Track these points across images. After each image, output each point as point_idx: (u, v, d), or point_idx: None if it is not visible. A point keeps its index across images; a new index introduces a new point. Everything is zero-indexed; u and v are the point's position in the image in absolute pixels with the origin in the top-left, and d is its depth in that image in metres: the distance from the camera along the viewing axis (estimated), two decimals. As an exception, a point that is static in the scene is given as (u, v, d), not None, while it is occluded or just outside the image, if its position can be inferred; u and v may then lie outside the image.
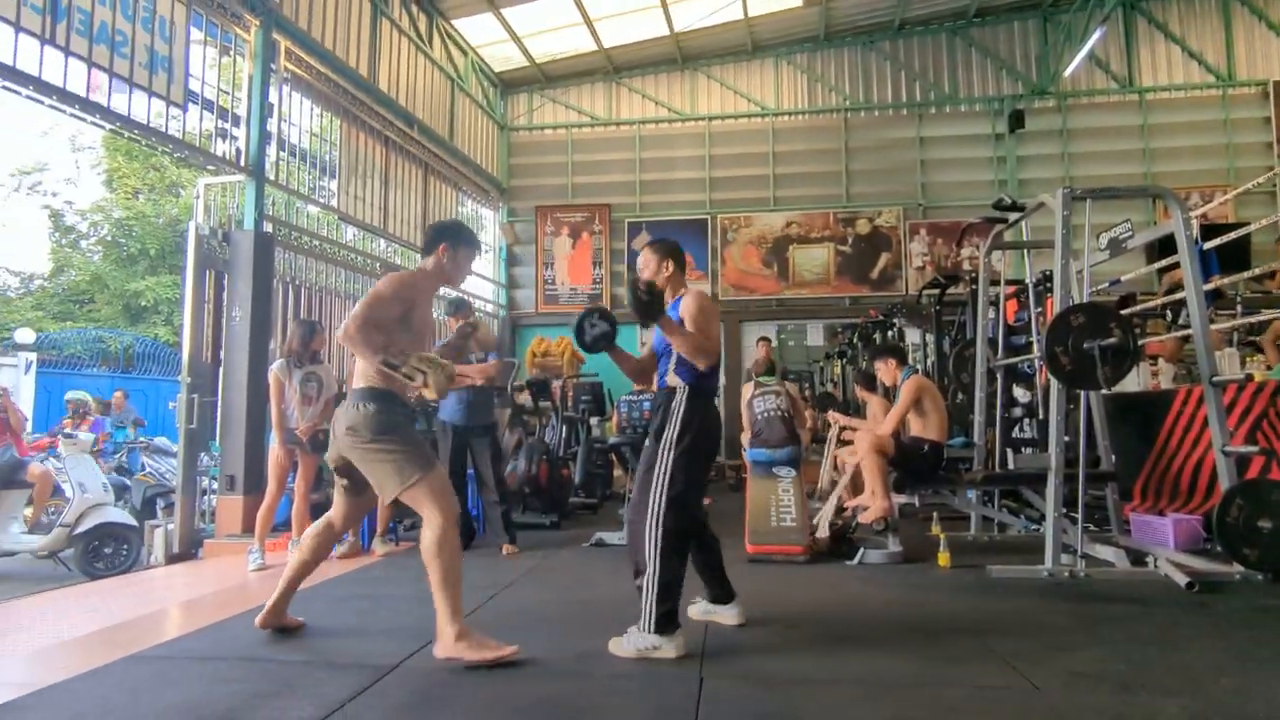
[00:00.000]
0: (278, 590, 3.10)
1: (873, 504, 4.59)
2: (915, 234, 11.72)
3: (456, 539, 2.81)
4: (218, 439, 6.14)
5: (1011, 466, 5.28)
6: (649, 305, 2.84)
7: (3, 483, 5.82)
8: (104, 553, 5.95)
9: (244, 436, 5.98)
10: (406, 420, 2.95)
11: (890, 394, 5.93)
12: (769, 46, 12.22)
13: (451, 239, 3.05)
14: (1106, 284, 6.27)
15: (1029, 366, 5.54)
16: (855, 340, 9.50)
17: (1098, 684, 2.46)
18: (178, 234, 17.38)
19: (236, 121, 6.58)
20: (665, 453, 2.88)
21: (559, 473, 6.68)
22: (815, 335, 12.17)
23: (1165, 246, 5.22)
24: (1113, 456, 4.86)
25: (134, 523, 6.23)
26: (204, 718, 2.25)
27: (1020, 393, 5.85)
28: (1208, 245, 4.98)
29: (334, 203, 8.18)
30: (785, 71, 12.31)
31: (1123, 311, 4.97)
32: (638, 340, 8.45)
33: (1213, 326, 4.59)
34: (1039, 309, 5.33)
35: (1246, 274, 5.07)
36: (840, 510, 5.73)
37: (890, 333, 8.70)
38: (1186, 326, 5.39)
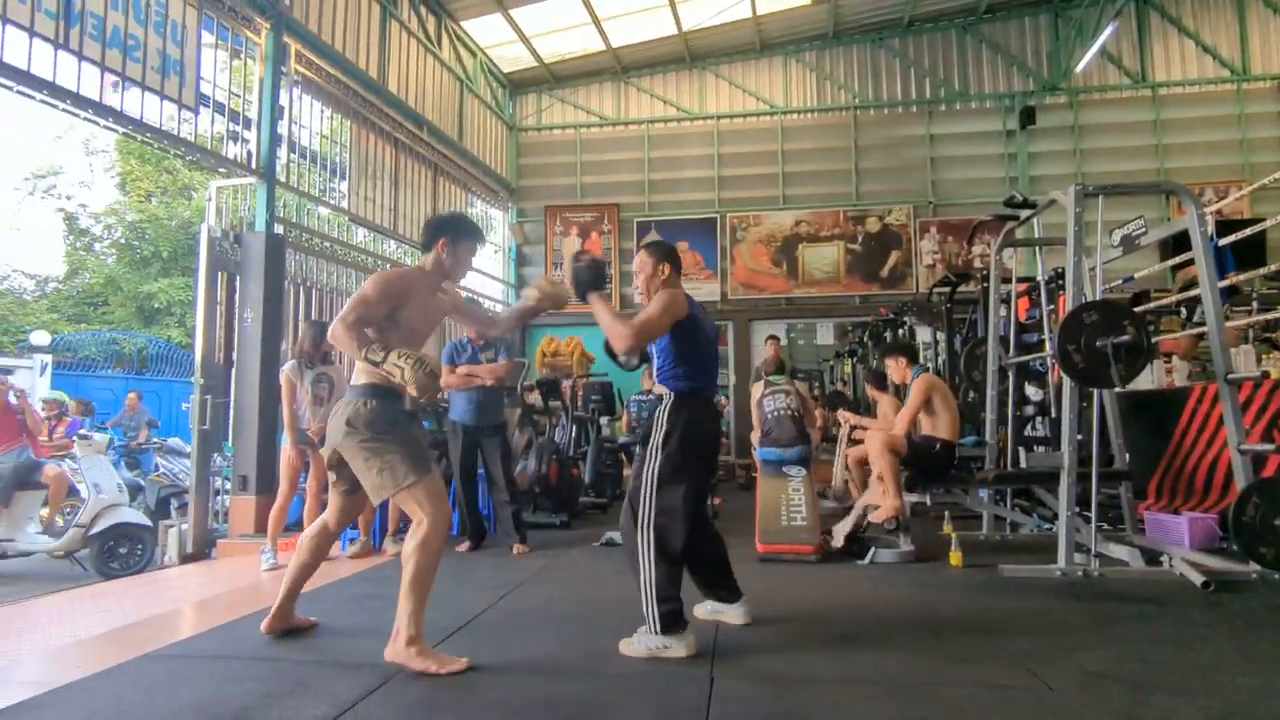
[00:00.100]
0: (281, 595, 3.10)
1: (884, 503, 4.57)
2: (925, 232, 11.67)
3: (439, 547, 2.75)
4: (230, 440, 6.18)
5: (1024, 465, 5.25)
6: (587, 278, 2.93)
7: (19, 484, 5.88)
8: (119, 553, 6.00)
9: (256, 437, 6.02)
10: (406, 420, 2.89)
11: (900, 392, 5.91)
12: (777, 45, 12.20)
13: (451, 233, 2.96)
14: (1120, 281, 6.23)
15: (1041, 364, 5.50)
16: (865, 339, 9.47)
17: (1112, 684, 2.44)
18: (190, 236, 17.51)
19: (247, 124, 6.62)
20: (651, 459, 2.89)
21: (569, 472, 6.69)
22: (825, 334, 12.14)
23: (1179, 243, 5.17)
24: (1126, 455, 4.82)
25: (148, 523, 6.28)
26: (217, 716, 2.26)
27: (1032, 391, 5.81)
28: (1223, 241, 4.94)
29: (344, 204, 8.22)
30: (794, 69, 12.28)
31: (1136, 309, 4.94)
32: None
33: (1228, 323, 4.55)
34: (1051, 306, 5.29)
35: (1262, 270, 5.02)
36: (850, 509, 5.71)
37: (901, 331, 8.67)
38: (1201, 323, 5.34)
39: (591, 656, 2.80)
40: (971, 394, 6.43)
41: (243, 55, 6.66)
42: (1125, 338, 3.86)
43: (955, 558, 4.38)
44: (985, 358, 5.70)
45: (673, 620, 2.76)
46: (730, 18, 11.08)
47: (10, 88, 4.71)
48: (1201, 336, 5.80)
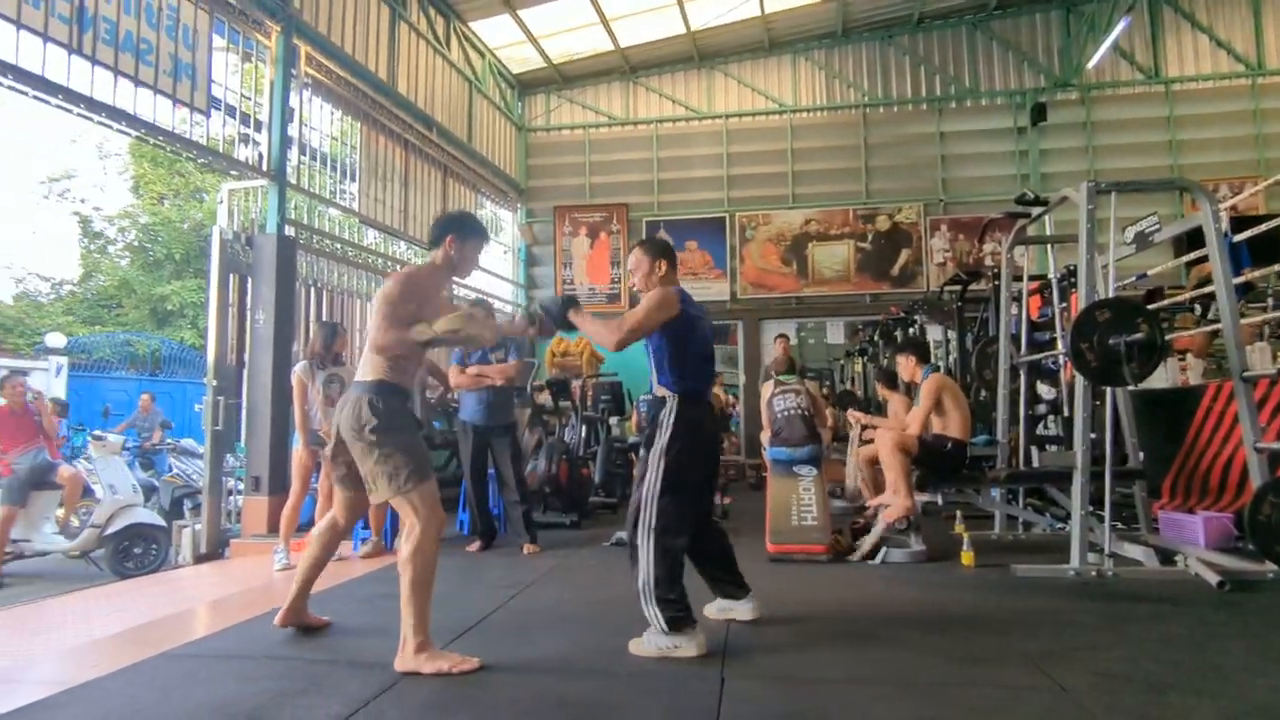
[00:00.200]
0: (294, 589, 3.13)
1: (895, 502, 4.55)
2: (936, 230, 11.61)
3: (433, 552, 2.74)
4: (243, 440, 6.22)
5: (1036, 464, 5.21)
6: (557, 311, 2.95)
7: (35, 484, 5.95)
8: (134, 553, 6.06)
9: (268, 438, 6.06)
10: (410, 421, 2.88)
11: (911, 391, 5.88)
12: (786, 43, 12.16)
13: (458, 230, 2.97)
14: (1133, 278, 6.18)
15: (1053, 363, 5.46)
16: (876, 338, 9.43)
17: (1127, 685, 2.42)
18: (202, 239, 17.64)
19: (258, 126, 6.67)
20: (655, 462, 2.88)
21: (579, 472, 6.70)
22: (835, 333, 12.10)
23: (1193, 240, 5.12)
24: (1140, 453, 4.78)
25: (162, 523, 6.33)
26: (232, 715, 2.28)
27: (1045, 389, 5.77)
28: (1238, 238, 4.89)
29: (355, 206, 8.26)
30: (803, 68, 12.25)
31: (1150, 306, 4.89)
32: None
33: (1243, 321, 4.50)
34: (1063, 304, 5.26)
35: (1278, 266, 4.96)
36: (862, 509, 5.70)
37: (911, 330, 8.63)
38: (1216, 320, 5.29)
39: (602, 656, 2.80)
40: (983, 393, 6.39)
41: (253, 58, 6.70)
42: (1139, 335, 3.82)
43: (967, 557, 4.36)
44: (997, 356, 5.66)
45: (679, 621, 2.76)
46: (739, 16, 11.06)
47: (25, 92, 4.76)
48: (1216, 334, 5.74)
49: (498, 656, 2.75)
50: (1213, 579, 3.66)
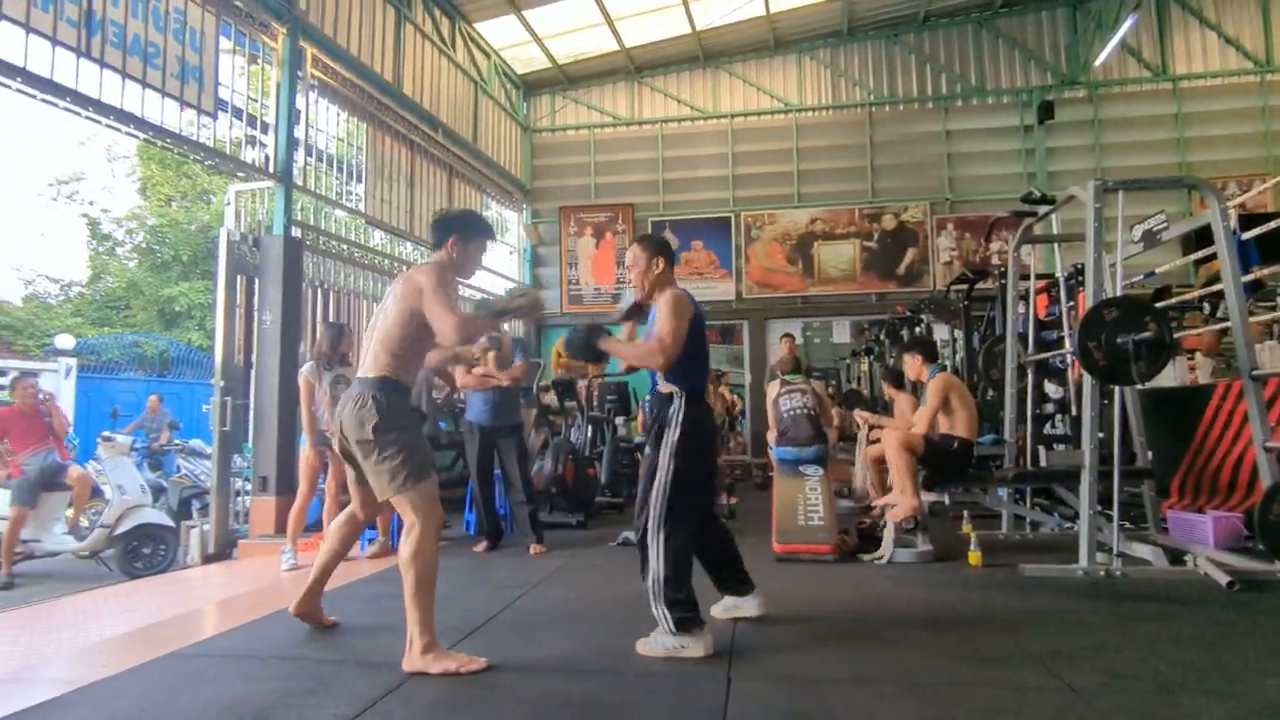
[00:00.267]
0: (311, 578, 3.15)
1: (901, 502, 4.54)
2: (942, 228, 11.58)
3: (434, 550, 2.74)
4: (250, 441, 6.25)
5: (1044, 463, 5.20)
6: (591, 344, 2.92)
7: (45, 485, 5.98)
8: (143, 553, 6.09)
9: (276, 438, 6.08)
10: (412, 419, 2.88)
11: (917, 390, 5.87)
12: (791, 42, 12.15)
13: (461, 231, 2.95)
14: (1141, 277, 6.15)
15: (1061, 362, 5.44)
16: (882, 337, 9.41)
17: (1136, 685, 2.41)
18: (209, 240, 17.70)
19: (265, 128, 6.69)
20: (667, 459, 2.86)
21: (585, 472, 6.70)
22: (841, 332, 12.08)
23: (1202, 238, 5.09)
24: (1149, 453, 4.76)
25: (171, 524, 6.36)
26: (240, 714, 2.29)
27: (1052, 389, 5.75)
28: (1246, 235, 4.86)
29: (361, 207, 8.29)
30: (808, 67, 12.23)
31: (1158, 305, 4.87)
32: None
33: (1252, 319, 4.47)
34: (1071, 303, 5.24)
35: (1287, 264, 4.94)
36: (869, 509, 5.69)
37: (918, 329, 8.61)
38: (1225, 319, 5.26)
39: (609, 656, 2.80)
40: (990, 392, 6.37)
41: (260, 60, 6.73)
42: (1147, 334, 3.81)
43: (974, 557, 4.35)
44: (1004, 355, 5.65)
45: (688, 621, 2.76)
46: (743, 16, 11.05)
47: (34, 95, 4.79)
48: (1225, 332, 5.71)
49: (505, 656, 2.76)
50: (1222, 579, 3.64)
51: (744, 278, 12.00)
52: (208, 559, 5.81)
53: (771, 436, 5.80)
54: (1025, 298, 5.67)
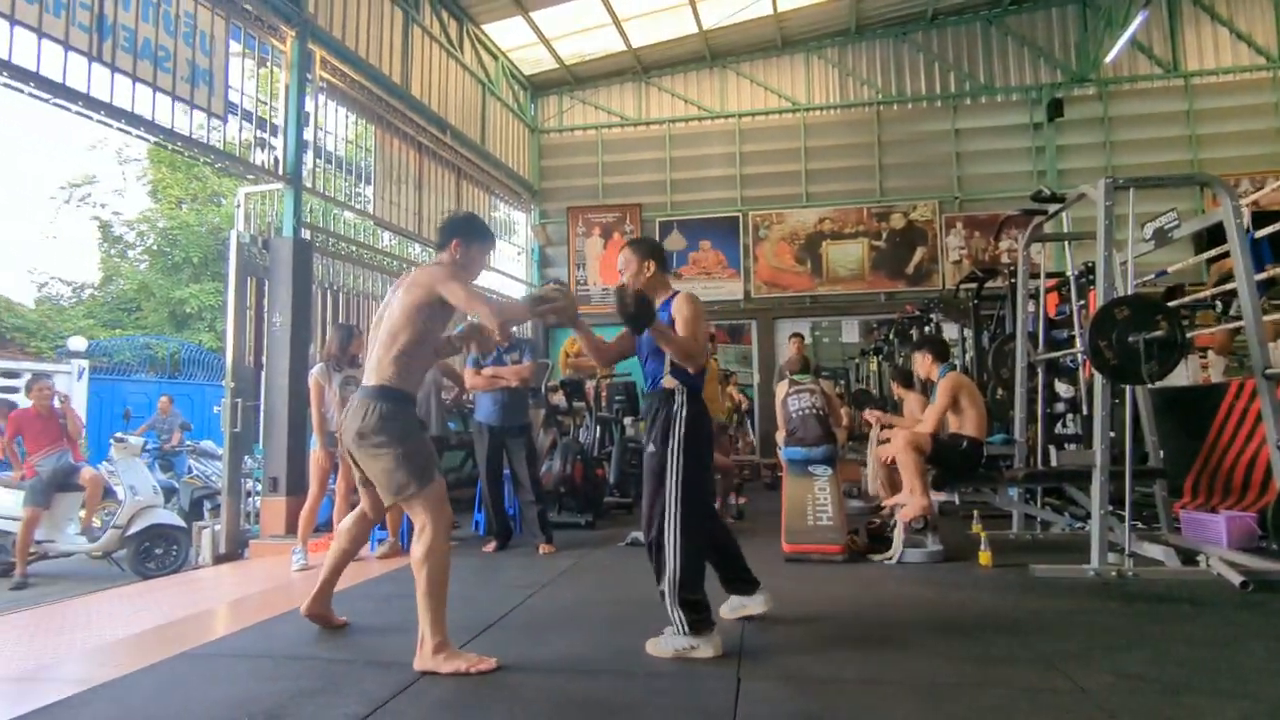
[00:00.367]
0: (321, 578, 3.17)
1: (911, 501, 4.53)
2: (951, 227, 11.54)
3: (445, 550, 2.75)
4: (261, 442, 6.28)
5: (1054, 463, 5.17)
6: (638, 315, 2.77)
7: (58, 487, 6.03)
8: (154, 553, 6.13)
9: (286, 439, 6.11)
10: (413, 424, 2.88)
11: (927, 389, 5.84)
12: (799, 41, 12.13)
13: (464, 234, 2.97)
14: (1152, 275, 6.11)
15: (1071, 361, 5.41)
16: (891, 336, 9.38)
17: (1147, 686, 2.39)
18: (219, 242, 17.81)
19: (274, 131, 6.73)
20: (675, 457, 2.85)
21: (593, 472, 6.71)
22: (850, 332, 12.04)
23: (1214, 235, 5.05)
24: (1161, 452, 4.73)
25: (182, 524, 6.40)
26: (252, 714, 2.30)
27: (1063, 388, 5.72)
28: (1259, 233, 4.82)
29: (370, 208, 8.32)
30: (816, 66, 12.20)
31: (1170, 303, 4.84)
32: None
33: (1266, 317, 4.43)
34: (1081, 302, 5.21)
35: (1301, 262, 4.89)
36: (878, 509, 5.67)
37: (927, 328, 8.57)
38: (1238, 317, 5.22)
39: (619, 656, 2.80)
40: (1000, 391, 6.34)
41: (269, 63, 6.77)
42: (1158, 333, 3.78)
43: (985, 557, 4.33)
44: (1014, 354, 5.62)
45: (701, 622, 2.76)
46: (751, 15, 11.03)
47: (47, 100, 4.83)
48: (1238, 331, 5.66)
49: (514, 656, 2.76)
50: (1235, 579, 3.61)
51: (752, 277, 11.99)
52: (219, 559, 5.84)
53: (780, 437, 5.79)
54: (1035, 296, 5.64)
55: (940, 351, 5.31)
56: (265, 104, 6.71)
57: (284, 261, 6.35)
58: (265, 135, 6.68)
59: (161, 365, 14.32)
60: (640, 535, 5.28)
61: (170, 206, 19.50)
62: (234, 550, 5.96)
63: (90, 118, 5.12)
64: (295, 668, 2.75)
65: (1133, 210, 4.43)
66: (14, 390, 10.19)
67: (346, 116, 7.95)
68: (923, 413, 5.42)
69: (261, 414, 6.22)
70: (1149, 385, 4.30)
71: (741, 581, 3.24)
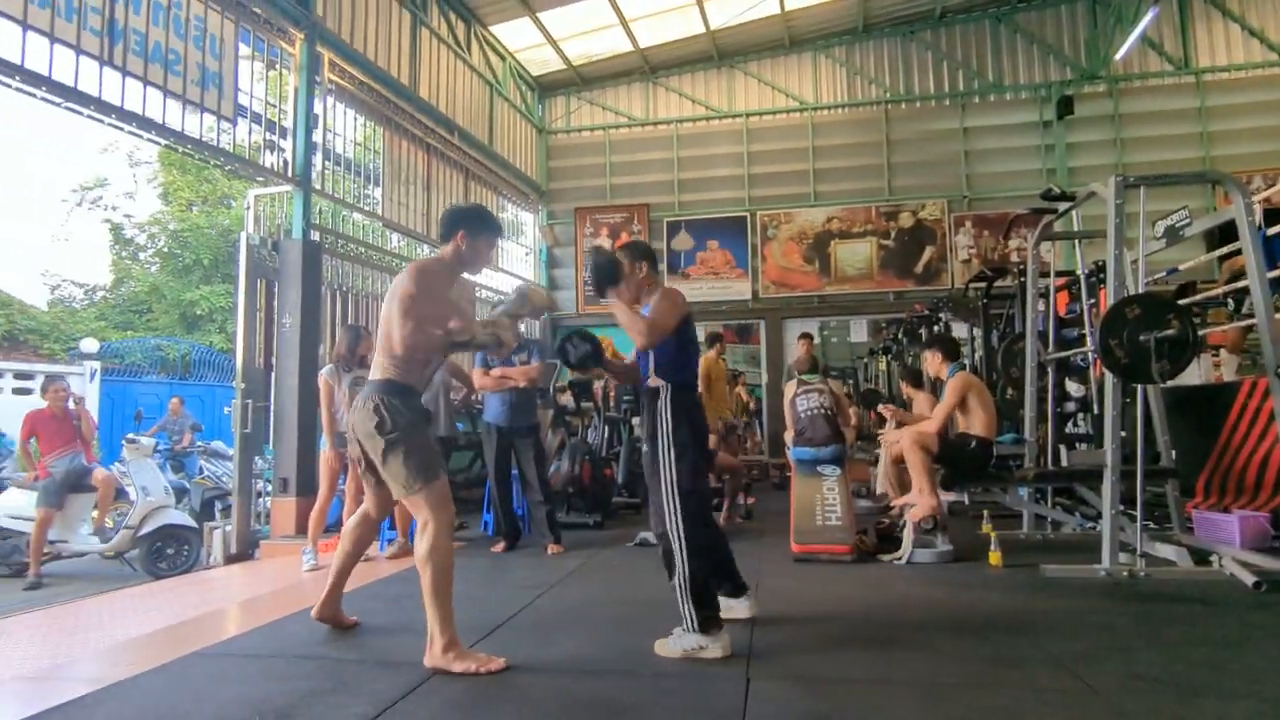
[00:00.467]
0: (329, 582, 3.18)
1: (920, 502, 4.51)
2: (960, 226, 11.49)
3: (449, 548, 2.75)
4: (271, 443, 6.31)
5: (1065, 463, 5.14)
6: (601, 275, 2.91)
7: (71, 487, 6.08)
8: (166, 554, 6.18)
9: (296, 440, 6.14)
10: (417, 420, 2.87)
11: (936, 388, 5.82)
12: (806, 40, 12.10)
13: (470, 225, 2.93)
14: (1164, 273, 6.07)
15: (1082, 360, 5.38)
16: (900, 336, 9.35)
17: (1159, 687, 2.38)
18: (229, 244, 17.90)
19: (283, 133, 6.76)
20: (666, 454, 2.88)
21: (602, 473, 6.71)
22: (859, 331, 12.01)
23: (1226, 233, 5.01)
24: (1173, 451, 4.70)
25: (194, 524, 6.45)
26: (263, 713, 2.31)
27: (1073, 387, 5.69)
28: (1271, 230, 4.78)
29: (378, 210, 8.35)
30: (823, 65, 12.18)
31: (1181, 301, 4.80)
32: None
33: (1278, 315, 4.40)
34: (1092, 301, 5.18)
35: (1314, 260, 4.85)
36: (887, 509, 5.65)
37: (936, 328, 8.54)
38: (1250, 315, 5.18)
39: (627, 656, 2.80)
40: (1010, 391, 6.32)
41: (278, 66, 6.80)
42: (1170, 332, 3.76)
43: (995, 557, 4.31)
44: (1023, 353, 5.59)
45: (711, 621, 2.77)
46: (758, 14, 11.01)
47: (59, 104, 4.87)
48: (1250, 329, 5.62)
49: (523, 656, 2.77)
50: (1248, 579, 3.58)
51: (760, 277, 11.97)
52: (230, 559, 5.88)
53: (788, 436, 5.78)
54: (1045, 295, 5.61)
55: (950, 350, 5.29)
56: (274, 106, 6.75)
57: (293, 263, 6.38)
58: (274, 137, 6.72)
59: (172, 367, 14.41)
60: (649, 536, 5.30)
61: (181, 209, 19.63)
62: (245, 550, 5.99)
63: (102, 121, 5.16)
64: (306, 667, 2.76)
65: (1144, 208, 4.40)
66: (28, 392, 10.30)
67: (355, 118, 7.99)
68: (930, 411, 5.40)
69: (272, 415, 6.26)
70: (1160, 384, 4.26)
71: (732, 585, 3.25)
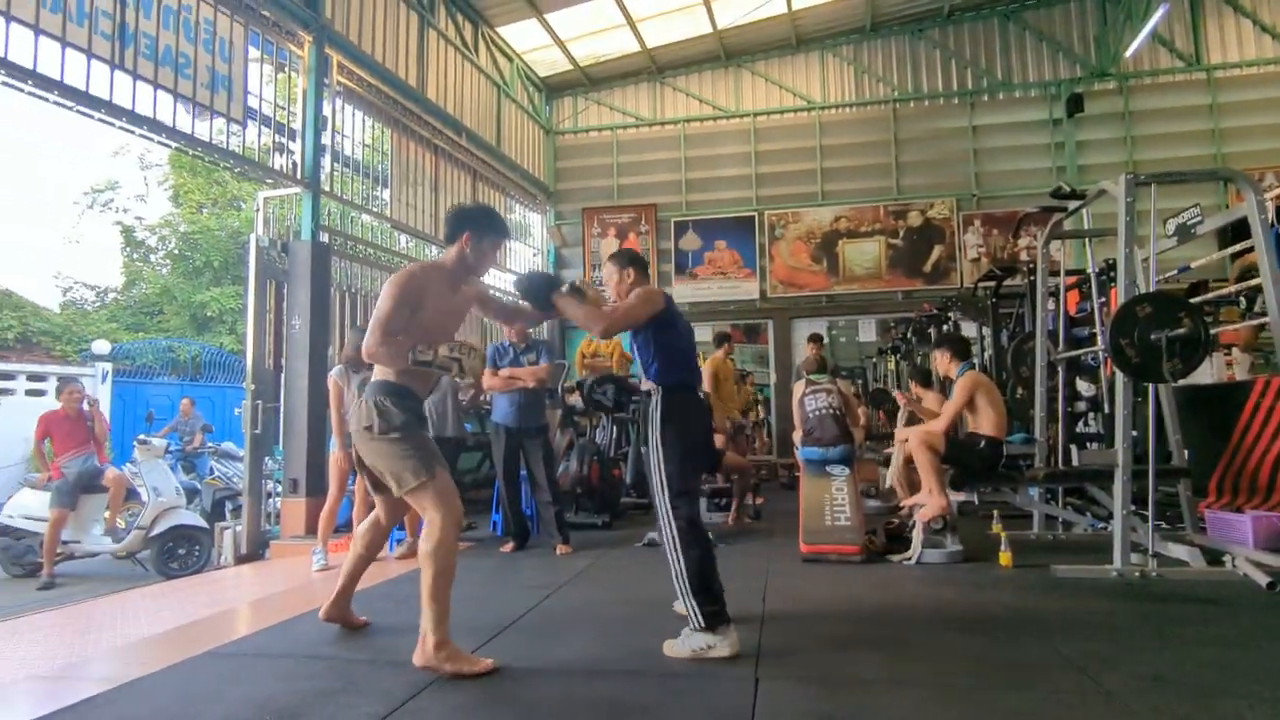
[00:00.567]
0: (338, 585, 3.19)
1: (929, 502, 4.49)
2: (969, 225, 11.44)
3: (453, 546, 2.73)
4: (281, 443, 6.34)
5: (1076, 463, 5.11)
6: (535, 290, 2.99)
7: (84, 488, 6.13)
8: (177, 554, 6.21)
9: (305, 441, 6.17)
10: (414, 419, 2.83)
11: (945, 387, 5.80)
12: (814, 39, 12.08)
13: (475, 227, 2.87)
14: (1175, 271, 6.03)
15: (1093, 359, 5.35)
16: (909, 335, 9.31)
17: (1173, 689, 2.36)
18: (239, 246, 17.99)
19: (293, 135, 6.80)
20: (655, 455, 2.94)
21: (610, 473, 6.71)
22: (867, 331, 11.97)
23: (1238, 231, 4.97)
24: (1185, 451, 4.66)
25: (204, 525, 6.48)
26: (274, 712, 2.32)
27: (1084, 386, 5.65)
28: (1284, 228, 4.74)
29: (387, 211, 8.38)
30: (831, 64, 12.15)
31: (1193, 300, 4.76)
32: None
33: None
34: (1102, 299, 5.14)
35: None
36: (896, 509, 5.63)
37: (945, 327, 8.51)
38: (1262, 314, 5.13)
39: (636, 656, 2.80)
40: (1020, 390, 6.28)
41: (287, 68, 6.84)
42: (1181, 330, 3.73)
43: (1005, 558, 4.28)
44: (1033, 353, 5.56)
45: (716, 617, 2.77)
46: (765, 14, 11.00)
47: (71, 107, 4.91)
48: (1263, 327, 5.57)
49: (532, 657, 2.77)
50: (1262, 580, 3.55)
51: (768, 277, 11.95)
52: (240, 560, 5.91)
53: (797, 436, 5.77)
54: (1055, 294, 5.58)
55: (960, 349, 5.27)
56: (283, 109, 6.78)
57: (302, 264, 6.41)
58: (284, 140, 6.75)
59: (183, 368, 14.48)
60: (656, 536, 5.29)
61: (191, 211, 19.73)
62: (255, 551, 6.02)
63: (113, 125, 5.20)
64: (316, 667, 2.77)
65: (1155, 206, 4.37)
66: (41, 394, 10.39)
67: (363, 120, 8.02)
68: (939, 409, 5.37)
69: (281, 416, 6.29)
70: (1172, 383, 4.24)
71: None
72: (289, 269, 6.42)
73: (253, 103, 6.37)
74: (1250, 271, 5.24)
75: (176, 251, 19.64)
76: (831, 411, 5.41)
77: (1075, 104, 10.86)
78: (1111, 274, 5.17)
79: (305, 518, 6.01)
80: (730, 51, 12.14)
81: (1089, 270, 5.36)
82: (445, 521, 2.70)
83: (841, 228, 11.80)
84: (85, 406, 6.36)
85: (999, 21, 11.71)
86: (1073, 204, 5.19)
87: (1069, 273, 6.04)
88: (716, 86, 12.44)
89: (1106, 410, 5.02)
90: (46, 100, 4.79)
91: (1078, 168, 11.06)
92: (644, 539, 5.35)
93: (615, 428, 7.40)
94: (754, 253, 11.98)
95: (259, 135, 6.47)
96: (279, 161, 6.67)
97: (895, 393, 6.27)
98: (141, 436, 6.66)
